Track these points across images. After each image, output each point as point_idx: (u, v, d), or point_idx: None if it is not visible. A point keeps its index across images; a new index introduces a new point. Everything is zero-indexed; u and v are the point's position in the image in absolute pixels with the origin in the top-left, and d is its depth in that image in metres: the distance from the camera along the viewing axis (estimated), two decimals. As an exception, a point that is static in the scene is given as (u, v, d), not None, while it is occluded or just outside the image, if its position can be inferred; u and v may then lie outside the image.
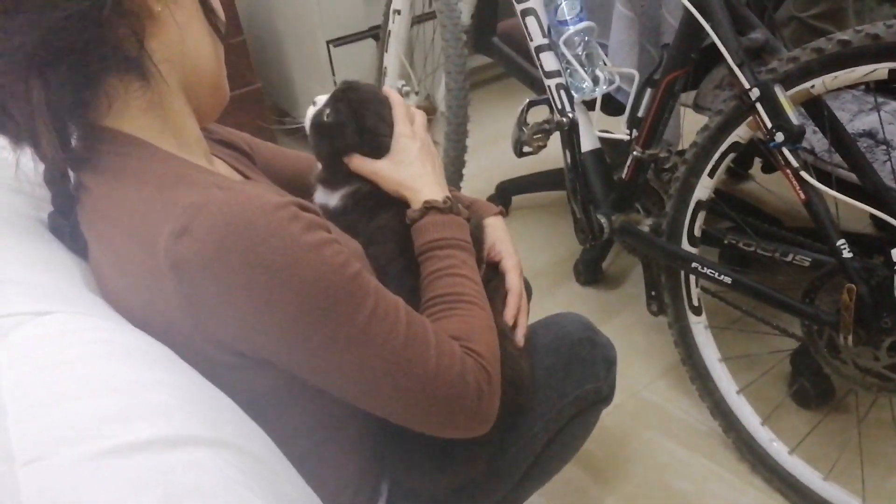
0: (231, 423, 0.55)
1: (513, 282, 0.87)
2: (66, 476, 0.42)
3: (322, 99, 0.88)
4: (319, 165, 0.89)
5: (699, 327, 1.28)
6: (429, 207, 0.78)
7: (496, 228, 0.92)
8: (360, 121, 0.84)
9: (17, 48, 0.55)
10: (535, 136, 1.40)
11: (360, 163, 0.83)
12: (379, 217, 0.82)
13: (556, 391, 0.85)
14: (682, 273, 1.27)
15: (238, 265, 0.54)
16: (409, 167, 0.81)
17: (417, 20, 1.99)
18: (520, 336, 0.84)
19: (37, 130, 0.58)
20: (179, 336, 0.58)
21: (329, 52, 2.32)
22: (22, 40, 0.55)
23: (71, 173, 0.65)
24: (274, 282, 0.55)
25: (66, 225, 0.67)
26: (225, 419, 0.55)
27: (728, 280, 1.16)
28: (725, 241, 1.23)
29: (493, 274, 0.89)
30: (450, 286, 0.73)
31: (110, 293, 0.63)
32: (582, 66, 1.38)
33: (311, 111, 0.88)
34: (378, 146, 0.83)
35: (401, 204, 0.81)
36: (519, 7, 1.39)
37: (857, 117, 1.29)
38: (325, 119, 0.85)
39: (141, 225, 0.58)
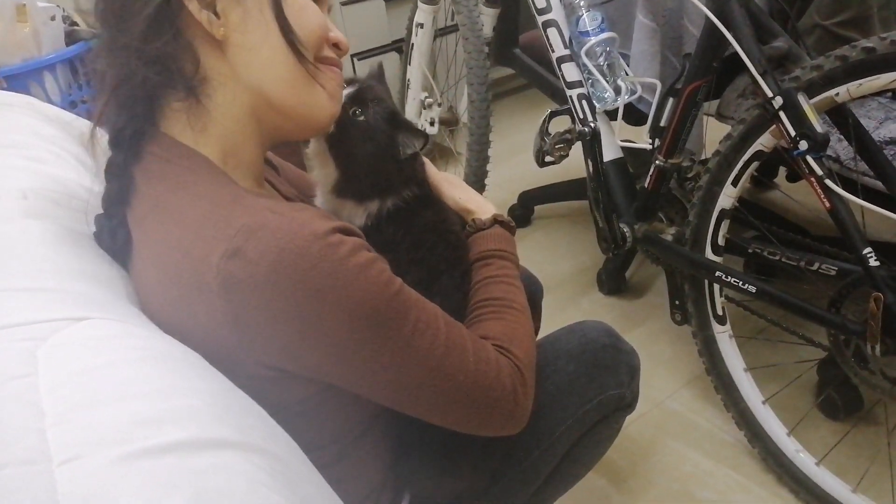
0: (259, 428, 0.57)
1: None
2: (100, 476, 0.44)
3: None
4: (334, 174, 0.82)
5: (724, 337, 1.28)
6: (498, 221, 0.86)
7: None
8: (394, 118, 0.80)
9: (98, 64, 0.63)
10: (557, 146, 1.41)
11: (431, 171, 0.89)
12: (417, 233, 0.82)
13: (579, 396, 0.86)
14: (706, 282, 1.26)
15: (289, 289, 0.57)
16: (466, 190, 0.90)
17: (440, 33, 2.01)
18: None
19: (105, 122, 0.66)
20: (219, 349, 0.60)
21: (353, 65, 2.35)
22: (99, 58, 0.62)
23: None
24: (324, 305, 0.58)
25: (107, 225, 0.69)
26: (253, 424, 0.56)
27: (752, 289, 1.16)
28: (750, 250, 1.22)
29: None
30: (503, 292, 0.79)
31: (148, 297, 0.65)
32: (604, 76, 1.38)
33: None
34: (416, 140, 0.80)
35: (436, 220, 0.84)
36: (540, 19, 1.41)
37: (883, 125, 1.28)
38: (358, 118, 0.79)
39: (192, 240, 0.60)
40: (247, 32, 0.64)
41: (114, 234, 0.69)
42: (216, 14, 0.63)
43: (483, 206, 0.88)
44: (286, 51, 0.66)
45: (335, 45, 0.73)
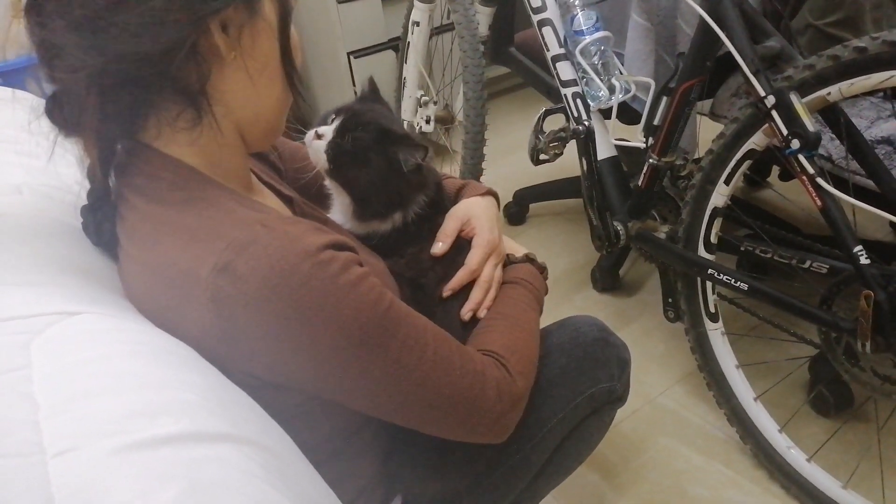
0: (253, 422, 0.57)
1: (470, 258, 0.84)
2: (94, 468, 0.44)
3: (326, 130, 0.81)
4: (349, 203, 0.84)
5: (716, 334, 1.28)
6: (529, 259, 0.93)
7: (476, 206, 0.90)
8: (387, 136, 0.81)
9: (83, 65, 0.57)
10: (551, 144, 1.41)
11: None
12: (424, 246, 0.85)
13: (570, 389, 0.86)
14: (699, 280, 1.27)
15: (279, 306, 0.57)
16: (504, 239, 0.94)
17: (436, 31, 2.02)
18: (465, 311, 0.83)
19: (84, 130, 0.63)
20: (208, 358, 0.60)
21: (350, 63, 2.35)
22: (89, 60, 0.57)
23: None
24: (314, 322, 0.58)
25: (92, 220, 0.70)
26: (247, 417, 0.57)
27: (745, 287, 1.16)
28: (742, 248, 1.23)
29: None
30: (519, 312, 0.83)
31: (137, 303, 0.65)
32: (598, 75, 1.39)
33: (320, 144, 0.81)
34: (416, 153, 0.81)
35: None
36: (535, 18, 1.41)
37: (875, 124, 1.29)
38: (347, 146, 0.80)
39: (181, 251, 0.60)
40: (252, 58, 0.65)
41: (99, 228, 0.69)
42: (229, 36, 0.62)
43: (518, 248, 0.96)
44: (281, 78, 0.69)
45: None
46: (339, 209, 0.88)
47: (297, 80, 0.70)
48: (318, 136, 0.81)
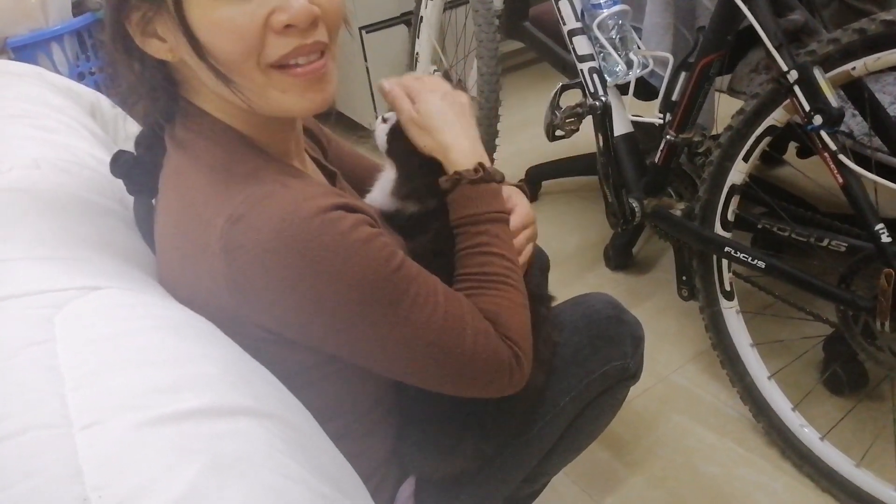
0: (273, 396, 0.58)
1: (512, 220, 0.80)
2: (120, 441, 0.45)
3: (392, 115, 0.83)
4: (393, 178, 0.83)
5: (731, 312, 1.28)
6: (458, 179, 0.75)
7: (511, 189, 0.89)
8: None
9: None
10: (567, 120, 1.40)
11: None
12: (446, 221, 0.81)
13: (583, 367, 0.86)
14: (715, 258, 1.26)
15: (289, 258, 0.57)
16: (436, 132, 0.77)
17: (449, 5, 1.99)
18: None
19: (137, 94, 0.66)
20: (221, 312, 0.62)
21: (361, 38, 2.33)
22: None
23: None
24: (323, 276, 0.58)
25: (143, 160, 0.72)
26: (268, 392, 0.57)
27: (762, 265, 1.15)
28: (759, 226, 1.22)
29: None
30: (479, 265, 0.73)
31: (164, 254, 0.68)
32: (615, 49, 1.37)
33: (383, 127, 0.83)
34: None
35: None
36: (552, -10, 1.39)
37: (898, 100, 1.26)
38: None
39: (204, 202, 0.61)
40: (187, 53, 0.60)
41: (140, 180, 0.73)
42: (161, 38, 0.61)
43: (447, 157, 0.77)
44: (251, 68, 0.60)
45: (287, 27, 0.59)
46: (380, 185, 0.87)
47: (211, 67, 0.59)
48: (384, 121, 0.83)
